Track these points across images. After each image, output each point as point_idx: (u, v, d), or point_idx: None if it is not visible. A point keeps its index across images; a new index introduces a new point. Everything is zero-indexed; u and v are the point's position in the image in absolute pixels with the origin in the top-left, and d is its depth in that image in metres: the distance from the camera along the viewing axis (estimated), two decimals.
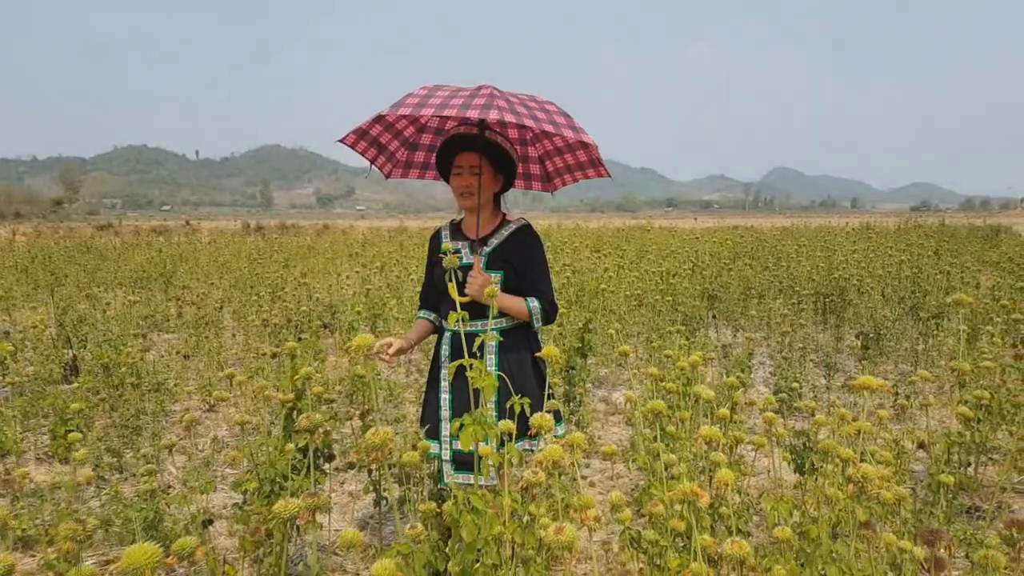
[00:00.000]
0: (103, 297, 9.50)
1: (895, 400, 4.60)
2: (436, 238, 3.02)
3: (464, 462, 2.74)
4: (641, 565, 2.29)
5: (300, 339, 6.54)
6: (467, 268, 2.78)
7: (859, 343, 6.36)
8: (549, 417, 1.72)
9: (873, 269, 8.29)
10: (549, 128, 2.50)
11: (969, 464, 3.92)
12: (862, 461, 2.23)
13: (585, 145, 3.02)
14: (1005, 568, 1.43)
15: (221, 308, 8.92)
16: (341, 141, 2.89)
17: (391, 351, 2.69)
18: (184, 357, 6.72)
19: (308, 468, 2.39)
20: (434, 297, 2.99)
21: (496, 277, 2.77)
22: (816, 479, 2.33)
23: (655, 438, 2.79)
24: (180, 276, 13.14)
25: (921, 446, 2.68)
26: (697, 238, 12.91)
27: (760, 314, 8.29)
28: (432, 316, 3.00)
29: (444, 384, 2.84)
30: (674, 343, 4.87)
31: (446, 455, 2.79)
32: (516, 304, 2.77)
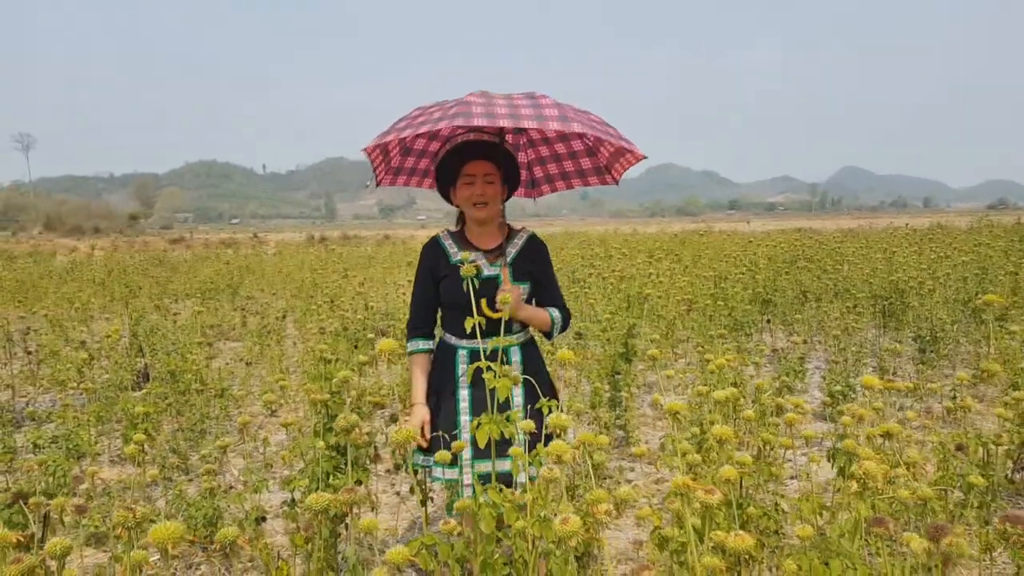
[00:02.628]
0: (173, 308, 9.94)
1: (953, 401, 4.50)
2: (437, 248, 2.78)
3: (487, 480, 2.54)
4: (670, 563, 2.34)
5: (356, 346, 6.76)
6: (488, 281, 2.67)
7: (916, 347, 6.21)
8: (566, 417, 1.81)
9: (935, 271, 8.07)
10: (602, 135, 2.44)
11: (1022, 468, 3.84)
12: (894, 464, 2.24)
13: (593, 153, 3.02)
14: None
15: (284, 317, 9.24)
16: (364, 150, 2.74)
17: (425, 429, 2.64)
18: (247, 364, 7.00)
19: (349, 466, 2.51)
20: (432, 315, 2.79)
21: (523, 288, 2.70)
22: (844, 480, 2.34)
23: (696, 439, 2.84)
24: (246, 287, 13.63)
25: (959, 448, 2.65)
26: (750, 241, 12.74)
27: (815, 318, 8.16)
28: (431, 344, 2.79)
29: (464, 405, 2.68)
30: (719, 348, 4.87)
31: (467, 479, 2.59)
32: (541, 315, 2.70)
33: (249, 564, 3.67)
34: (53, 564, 1.47)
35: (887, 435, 2.27)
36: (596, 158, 3.04)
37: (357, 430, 2.48)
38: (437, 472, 2.66)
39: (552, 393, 2.79)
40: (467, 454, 2.58)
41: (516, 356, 2.74)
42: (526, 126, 2.28)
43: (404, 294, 10.22)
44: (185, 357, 5.77)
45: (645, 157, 2.77)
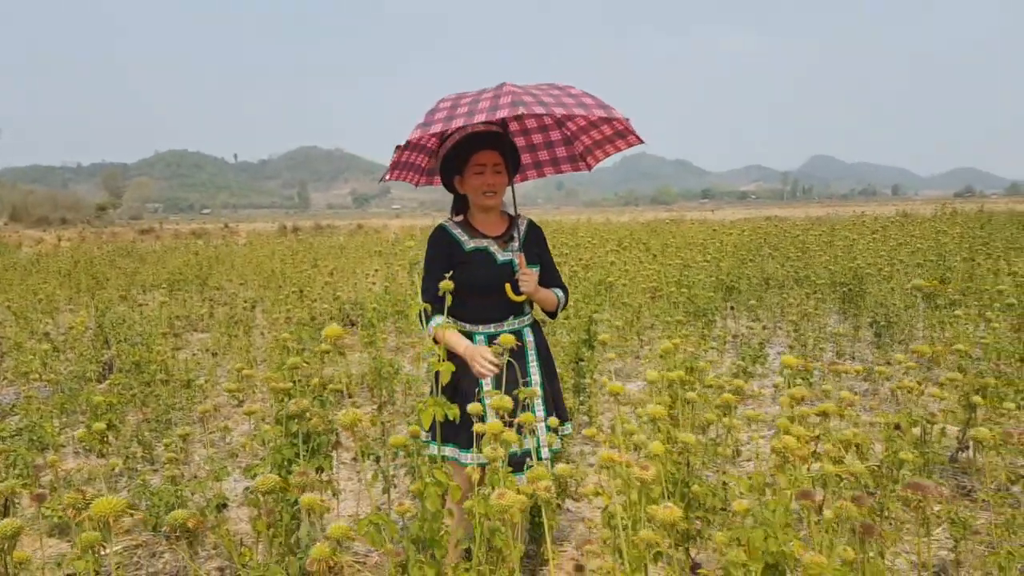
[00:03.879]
0: (140, 299, 9.87)
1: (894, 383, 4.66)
2: (448, 236, 2.82)
3: (516, 464, 2.47)
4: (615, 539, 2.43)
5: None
6: (505, 266, 2.76)
7: (872, 331, 6.37)
8: (508, 398, 1.88)
9: (892, 258, 8.26)
10: (579, 111, 2.49)
11: (966, 447, 3.99)
12: (832, 441, 2.34)
13: (570, 142, 3.13)
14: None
15: (253, 307, 9.21)
16: (409, 141, 2.72)
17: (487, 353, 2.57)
18: (213, 355, 6.99)
19: (302, 452, 2.56)
20: (443, 301, 2.61)
21: (535, 271, 2.80)
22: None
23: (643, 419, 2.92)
24: (215, 277, 13.53)
25: (897, 427, 2.77)
26: (715, 230, 12.93)
27: (778, 304, 8.32)
28: (452, 322, 2.71)
29: (488, 390, 2.65)
30: (680, 334, 4.97)
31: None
32: (550, 296, 2.84)
33: (213, 551, 3.71)
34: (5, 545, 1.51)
35: (823, 414, 2.37)
36: (572, 147, 3.15)
37: (310, 415, 2.54)
38: (468, 458, 2.60)
39: (557, 378, 3.00)
40: None
41: (529, 336, 2.86)
42: (577, 113, 2.45)
43: (374, 284, 10.22)
44: (150, 348, 5.76)
45: (643, 142, 2.93)
